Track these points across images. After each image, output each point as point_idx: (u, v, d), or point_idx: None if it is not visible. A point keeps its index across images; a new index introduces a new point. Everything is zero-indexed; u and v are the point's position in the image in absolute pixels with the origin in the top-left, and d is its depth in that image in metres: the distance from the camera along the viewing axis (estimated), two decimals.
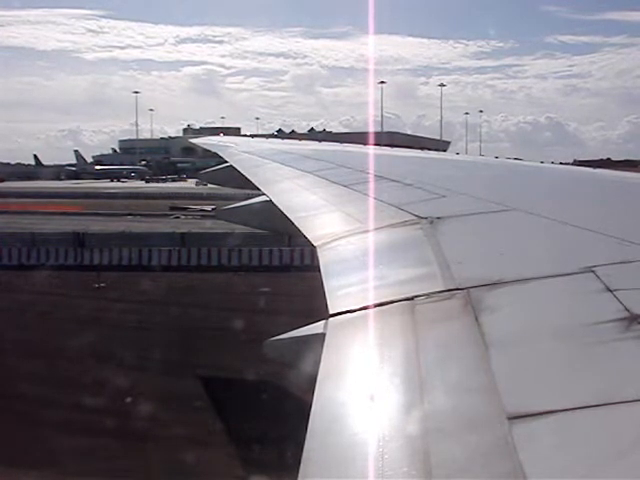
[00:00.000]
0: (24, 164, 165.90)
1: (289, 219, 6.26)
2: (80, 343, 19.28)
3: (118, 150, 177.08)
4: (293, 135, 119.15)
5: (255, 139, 19.17)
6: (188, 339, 20.91)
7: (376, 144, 14.98)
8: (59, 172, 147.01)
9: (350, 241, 4.78)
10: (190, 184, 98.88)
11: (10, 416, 14.87)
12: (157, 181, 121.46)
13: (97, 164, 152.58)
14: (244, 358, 15.78)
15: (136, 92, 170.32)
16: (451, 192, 5.97)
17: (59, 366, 18.49)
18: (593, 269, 3.28)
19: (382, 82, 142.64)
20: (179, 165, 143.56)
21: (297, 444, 2.26)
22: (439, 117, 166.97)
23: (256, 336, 5.51)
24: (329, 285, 3.93)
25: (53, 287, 29.29)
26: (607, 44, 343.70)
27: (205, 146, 18.20)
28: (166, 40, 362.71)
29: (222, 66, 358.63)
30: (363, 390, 2.63)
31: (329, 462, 2.24)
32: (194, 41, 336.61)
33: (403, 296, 3.36)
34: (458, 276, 3.49)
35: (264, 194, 8.53)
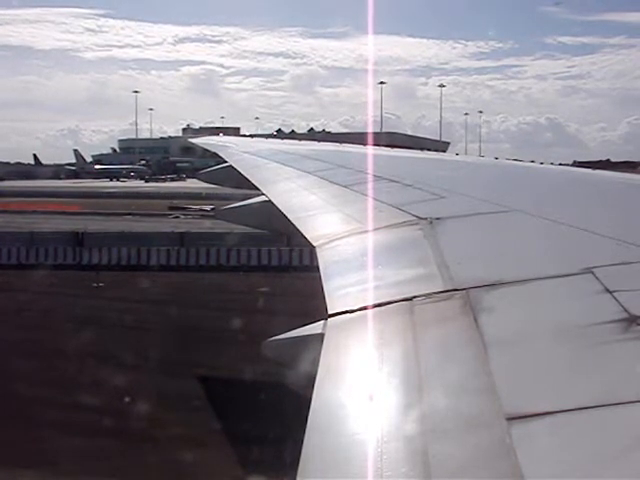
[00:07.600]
0: (23, 163, 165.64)
1: (288, 219, 6.26)
2: (78, 342, 19.26)
3: (117, 149, 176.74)
4: (293, 135, 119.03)
5: (254, 139, 19.15)
6: (186, 339, 20.90)
7: (375, 144, 14.99)
8: (58, 171, 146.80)
9: (349, 241, 4.78)
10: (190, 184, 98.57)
11: (8, 415, 14.85)
12: (156, 181, 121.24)
13: (96, 163, 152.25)
14: (242, 358, 15.76)
15: (135, 91, 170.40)
16: (450, 193, 5.97)
17: (57, 365, 18.47)
18: (592, 270, 3.28)
19: (382, 82, 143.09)
20: (178, 165, 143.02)
21: (296, 444, 2.26)
22: (439, 118, 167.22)
23: (254, 336, 5.51)
24: (328, 285, 3.93)
25: (52, 286, 29.26)
26: (606, 45, 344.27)
27: (205, 146, 18.18)
28: (165, 39, 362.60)
29: (221, 66, 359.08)
30: (362, 390, 2.63)
31: (328, 462, 2.24)
32: (193, 41, 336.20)
33: (402, 296, 3.36)
34: (457, 277, 3.49)
35: (263, 194, 8.53)
